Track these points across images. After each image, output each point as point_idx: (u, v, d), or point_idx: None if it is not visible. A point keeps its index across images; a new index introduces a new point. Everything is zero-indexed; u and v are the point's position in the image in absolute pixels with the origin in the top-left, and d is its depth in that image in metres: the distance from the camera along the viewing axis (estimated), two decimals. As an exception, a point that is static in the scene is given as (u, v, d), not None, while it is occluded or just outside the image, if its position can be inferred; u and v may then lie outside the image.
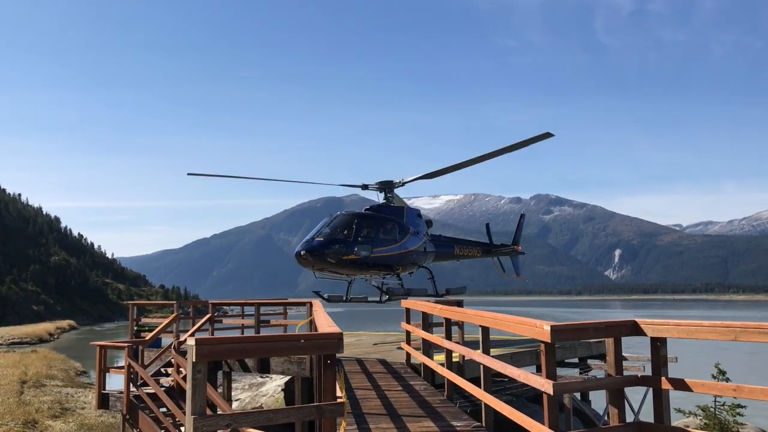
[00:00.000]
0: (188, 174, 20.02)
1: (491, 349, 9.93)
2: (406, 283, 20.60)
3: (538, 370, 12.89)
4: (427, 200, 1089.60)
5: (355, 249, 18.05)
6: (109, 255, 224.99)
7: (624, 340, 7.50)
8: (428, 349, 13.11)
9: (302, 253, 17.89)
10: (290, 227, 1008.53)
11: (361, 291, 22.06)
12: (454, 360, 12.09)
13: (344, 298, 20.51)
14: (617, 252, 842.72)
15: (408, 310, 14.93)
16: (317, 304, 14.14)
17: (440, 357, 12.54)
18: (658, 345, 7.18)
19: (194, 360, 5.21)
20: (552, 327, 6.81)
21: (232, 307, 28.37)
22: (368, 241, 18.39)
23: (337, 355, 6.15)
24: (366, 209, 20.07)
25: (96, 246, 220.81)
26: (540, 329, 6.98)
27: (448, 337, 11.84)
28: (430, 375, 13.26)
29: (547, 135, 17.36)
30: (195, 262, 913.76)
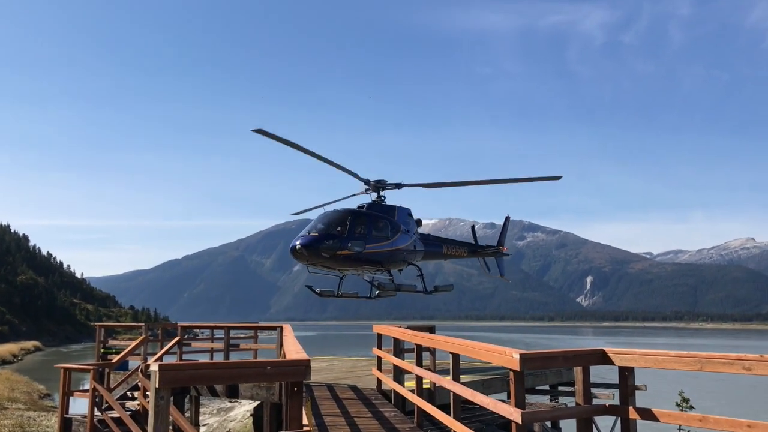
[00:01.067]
0: (253, 130, 18.12)
1: (463, 376, 9.91)
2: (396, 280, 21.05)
3: (510, 397, 12.87)
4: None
5: (349, 245, 18.63)
6: (78, 274, 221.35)
7: (598, 366, 7.54)
8: (399, 375, 13.04)
9: (298, 247, 18.39)
10: (264, 249, 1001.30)
11: (352, 287, 22.27)
12: (424, 386, 12.02)
13: (336, 293, 21.13)
14: (589, 279, 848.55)
15: (380, 335, 14.86)
16: (287, 328, 14.00)
17: (411, 383, 12.47)
18: (626, 374, 7.22)
19: (157, 386, 5.11)
20: (521, 355, 6.81)
21: (201, 330, 28.07)
22: (361, 237, 18.99)
23: (308, 380, 6.08)
24: (359, 206, 20.46)
25: (65, 265, 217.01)
26: (509, 357, 6.98)
27: (419, 363, 11.79)
28: (401, 401, 13.17)
29: (556, 177, 18.45)
30: (166, 283, 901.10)
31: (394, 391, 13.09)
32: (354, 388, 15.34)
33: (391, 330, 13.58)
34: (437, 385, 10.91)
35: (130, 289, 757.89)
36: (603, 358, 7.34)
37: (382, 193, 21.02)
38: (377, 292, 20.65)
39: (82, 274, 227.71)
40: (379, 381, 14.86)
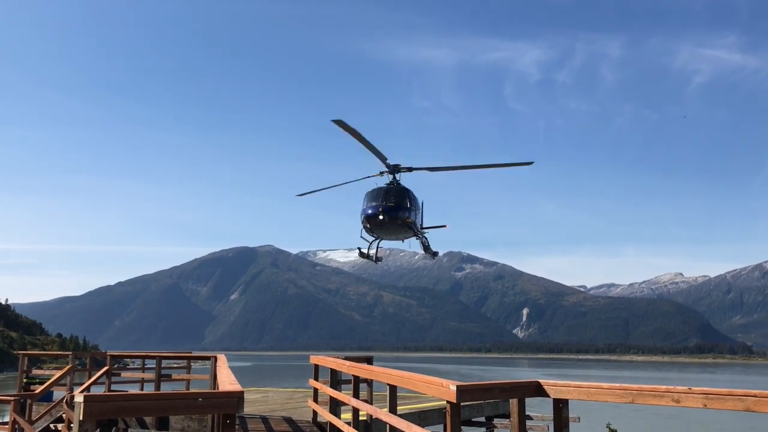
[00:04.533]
0: (297, 195, 24.32)
1: (401, 407, 9.84)
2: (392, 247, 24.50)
3: (446, 429, 12.82)
4: (343, 253, 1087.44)
5: (409, 214, 22.55)
6: (2, 300, 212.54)
7: (533, 398, 7.60)
8: (335, 407, 12.88)
9: (380, 214, 21.85)
10: (199, 276, 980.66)
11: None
12: (361, 419, 11.90)
13: (367, 254, 24.78)
14: (525, 311, 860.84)
15: (317, 366, 14.68)
16: (221, 359, 13.67)
17: (348, 415, 12.32)
18: (560, 406, 7.29)
19: (81, 418, 4.88)
20: (458, 387, 6.81)
21: (132, 360, 27.22)
22: (413, 209, 22.89)
23: (241, 412, 5.93)
24: (397, 183, 23.35)
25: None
26: (446, 389, 6.97)
27: (356, 395, 11.67)
28: (336, 434, 12.98)
29: (528, 163, 22.39)
30: (97, 311, 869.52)
31: (330, 423, 12.90)
32: (289, 421, 15.05)
33: (328, 361, 13.43)
34: (374, 417, 10.81)
35: (58, 317, 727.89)
36: (538, 390, 7.41)
37: (397, 176, 23.59)
38: (375, 257, 24.90)
39: (7, 300, 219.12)
40: (315, 413, 14.64)
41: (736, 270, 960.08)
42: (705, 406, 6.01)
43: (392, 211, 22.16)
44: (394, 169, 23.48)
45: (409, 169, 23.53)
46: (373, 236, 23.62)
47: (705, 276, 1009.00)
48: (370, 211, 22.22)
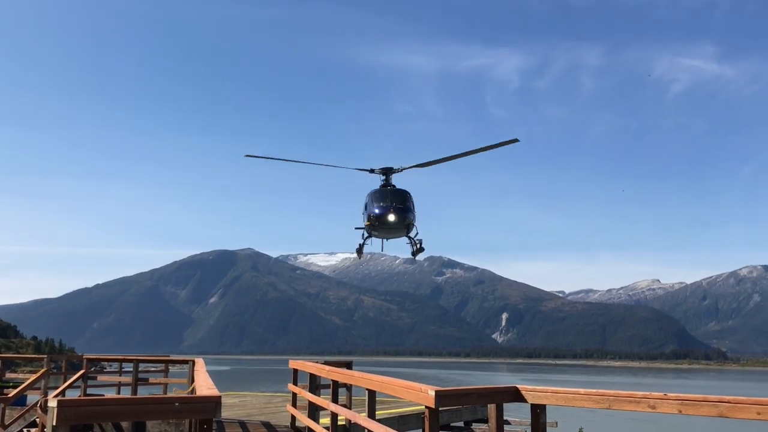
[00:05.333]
0: (246, 156, 23.44)
1: (379, 412, 9.83)
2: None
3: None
4: (324, 257, 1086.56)
5: (411, 216, 23.60)
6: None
7: (511, 403, 7.65)
8: (314, 411, 12.83)
9: (390, 215, 22.84)
10: (179, 279, 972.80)
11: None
12: (339, 423, 11.87)
13: (362, 250, 25.85)
14: (504, 315, 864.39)
15: (296, 371, 14.63)
16: (200, 363, 13.57)
17: (326, 420, 12.28)
18: (538, 412, 7.34)
19: (55, 423, 4.82)
20: (436, 392, 6.82)
21: (109, 363, 26.95)
22: (413, 210, 23.91)
23: (219, 417, 5.89)
24: (386, 185, 24.33)
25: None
26: (425, 394, 6.98)
27: (335, 399, 11.65)
28: (315, 439, 12.93)
29: (514, 140, 22.81)
30: (74, 313, 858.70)
31: (309, 428, 12.86)
32: (267, 425, 14.98)
33: (307, 365, 13.40)
34: (352, 421, 10.79)
35: (35, 319, 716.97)
36: (516, 395, 7.45)
37: (390, 177, 24.24)
38: (360, 248, 25.64)
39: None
40: (293, 418, 14.58)
41: (711, 277, 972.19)
42: (680, 411, 6.08)
43: (401, 212, 23.30)
44: (387, 171, 24.22)
45: (400, 170, 24.22)
46: (373, 235, 24.37)
47: (681, 283, 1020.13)
48: (379, 212, 23.17)
